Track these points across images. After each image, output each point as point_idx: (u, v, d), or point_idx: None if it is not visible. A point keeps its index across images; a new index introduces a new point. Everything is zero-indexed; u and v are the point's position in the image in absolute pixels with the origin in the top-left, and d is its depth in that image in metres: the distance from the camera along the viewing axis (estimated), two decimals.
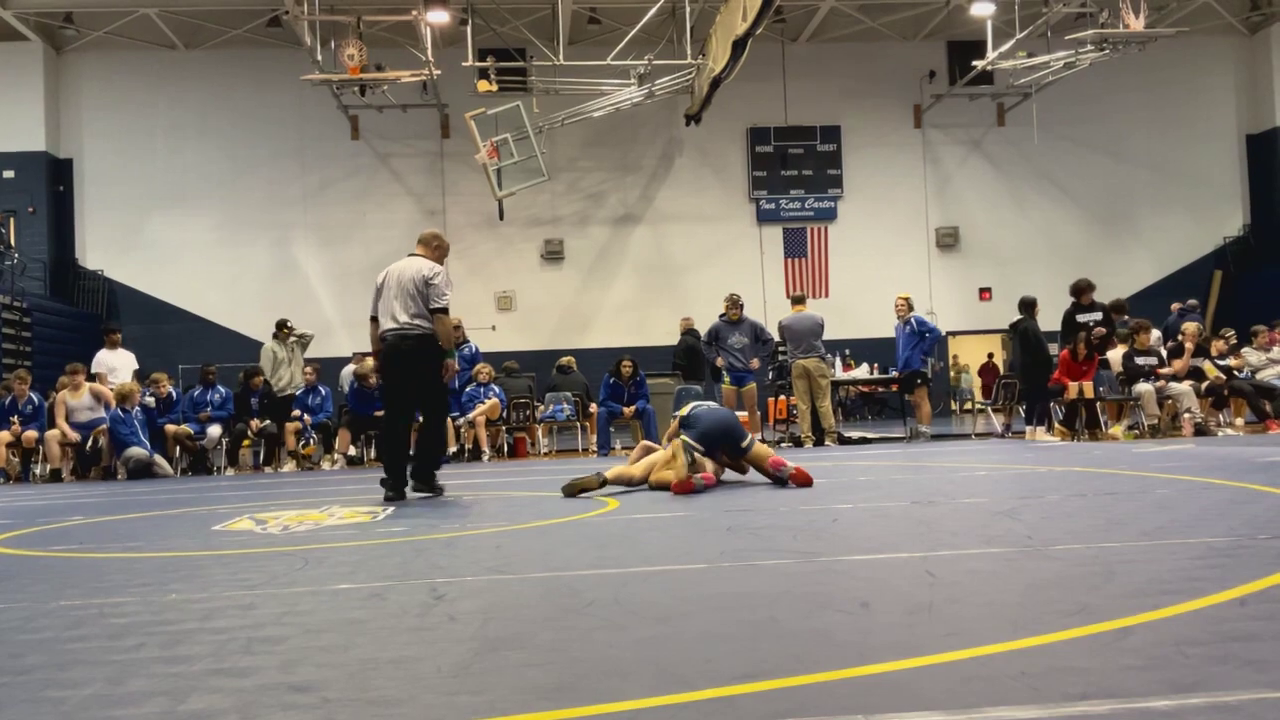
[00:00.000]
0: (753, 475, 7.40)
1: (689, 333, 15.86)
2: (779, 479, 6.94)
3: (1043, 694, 2.07)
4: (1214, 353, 13.27)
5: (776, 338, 13.60)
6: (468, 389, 13.49)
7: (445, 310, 7.42)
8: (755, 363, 13.05)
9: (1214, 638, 2.45)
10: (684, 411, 7.25)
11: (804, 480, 6.89)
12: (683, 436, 6.97)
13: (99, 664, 2.66)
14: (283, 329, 14.38)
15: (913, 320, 13.34)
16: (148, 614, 3.34)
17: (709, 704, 2.12)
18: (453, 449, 13.01)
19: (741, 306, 13.25)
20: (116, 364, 13.72)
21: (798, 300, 13.63)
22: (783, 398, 14.88)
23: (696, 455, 6.89)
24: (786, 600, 3.14)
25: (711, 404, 7.45)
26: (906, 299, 13.57)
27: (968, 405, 16.73)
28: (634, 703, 2.15)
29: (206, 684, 2.43)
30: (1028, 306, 12.93)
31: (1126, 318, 13.50)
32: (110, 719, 2.20)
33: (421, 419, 7.79)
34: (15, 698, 2.40)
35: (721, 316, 13.20)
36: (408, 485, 7.38)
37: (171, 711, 2.22)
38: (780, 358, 13.89)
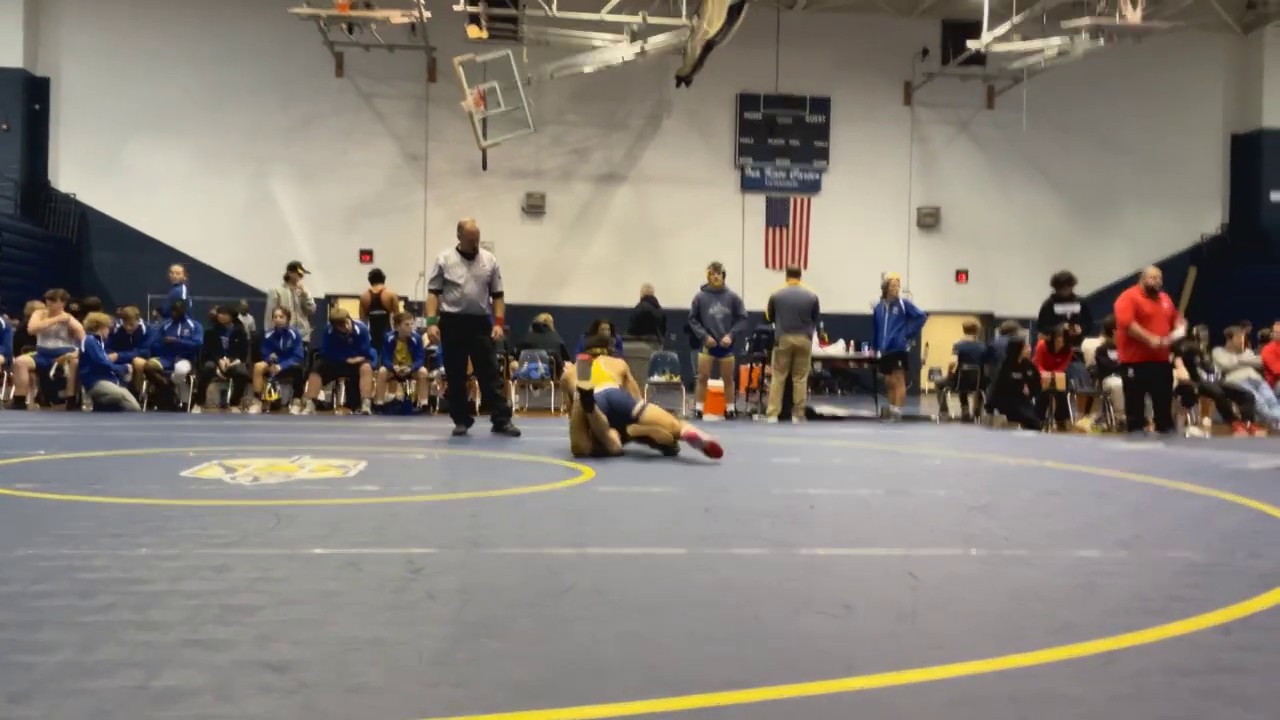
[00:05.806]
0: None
1: (647, 299, 15.78)
2: (674, 448, 7.32)
3: None
4: (1236, 347, 13.28)
5: (766, 309, 13.29)
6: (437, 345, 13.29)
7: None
8: (727, 339, 12.68)
9: (1203, 667, 2.45)
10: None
11: (716, 452, 7.09)
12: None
13: (69, 625, 2.61)
14: (294, 271, 14.02)
15: (902, 302, 13.29)
16: (117, 569, 3.28)
17: (697, 714, 2.09)
18: (423, 401, 12.93)
19: (724, 274, 13.08)
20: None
21: (793, 274, 13.31)
22: (756, 366, 14.79)
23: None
24: (769, 598, 3.11)
25: (609, 386, 7.57)
26: (898, 279, 13.53)
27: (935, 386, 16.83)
28: (621, 706, 2.11)
29: (180, 656, 2.38)
30: (1015, 347, 12.78)
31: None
32: (82, 691, 2.14)
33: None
34: None
35: (704, 287, 13.00)
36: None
37: (145, 687, 2.17)
38: (763, 329, 13.59)
